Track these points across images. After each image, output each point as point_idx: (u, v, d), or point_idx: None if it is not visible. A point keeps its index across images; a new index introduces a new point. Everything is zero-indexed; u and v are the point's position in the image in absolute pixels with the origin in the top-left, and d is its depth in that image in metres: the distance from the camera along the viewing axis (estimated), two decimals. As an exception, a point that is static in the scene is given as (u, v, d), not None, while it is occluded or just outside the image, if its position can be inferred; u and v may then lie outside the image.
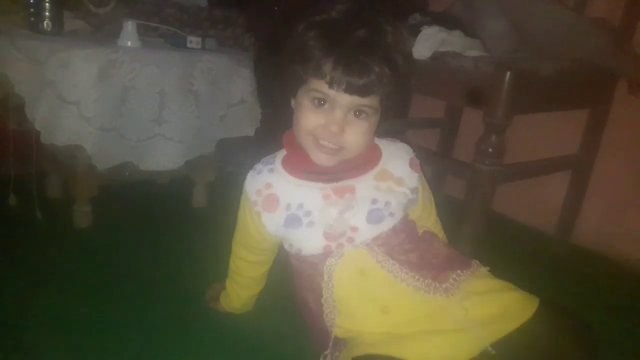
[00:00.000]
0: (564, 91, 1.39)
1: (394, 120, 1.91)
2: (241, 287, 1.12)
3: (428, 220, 1.05)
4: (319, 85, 0.85)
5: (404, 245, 0.92)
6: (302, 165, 0.94)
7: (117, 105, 1.40)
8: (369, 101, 0.86)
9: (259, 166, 1.00)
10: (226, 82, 1.60)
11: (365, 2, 0.88)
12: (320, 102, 0.86)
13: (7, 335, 1.04)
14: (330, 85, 0.83)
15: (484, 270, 0.96)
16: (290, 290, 1.08)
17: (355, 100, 0.84)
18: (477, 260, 0.97)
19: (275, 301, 1.16)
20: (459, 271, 0.91)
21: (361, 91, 0.83)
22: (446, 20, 1.53)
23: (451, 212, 1.28)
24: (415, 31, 1.45)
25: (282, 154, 0.99)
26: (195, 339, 1.10)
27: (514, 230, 1.84)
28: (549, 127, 1.74)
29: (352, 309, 0.90)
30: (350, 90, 0.83)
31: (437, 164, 1.69)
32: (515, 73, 1.20)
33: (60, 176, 1.65)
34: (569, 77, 1.36)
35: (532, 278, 1.34)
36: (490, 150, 1.24)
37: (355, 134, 0.88)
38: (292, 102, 0.94)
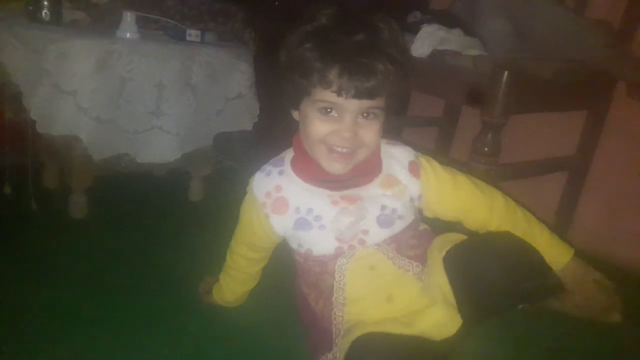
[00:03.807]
0: (562, 92, 1.39)
1: (391, 118, 1.92)
2: (237, 282, 1.13)
3: (473, 209, 0.97)
4: (325, 95, 0.84)
5: (411, 241, 0.94)
6: (310, 172, 0.93)
7: (114, 96, 1.40)
8: (377, 102, 0.85)
9: (267, 167, 0.98)
10: (225, 75, 1.60)
11: (353, 4, 0.87)
12: (328, 110, 0.86)
13: (1, 325, 1.04)
14: (339, 93, 0.82)
15: None
16: (284, 284, 1.08)
17: (364, 103, 0.84)
18: None
19: (267, 295, 1.16)
20: None
21: (370, 94, 0.83)
22: (446, 19, 1.52)
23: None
24: (415, 29, 1.45)
25: (290, 154, 0.98)
26: (188, 331, 1.10)
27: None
28: (546, 128, 1.74)
29: (361, 300, 0.92)
30: (359, 95, 0.82)
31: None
32: (513, 73, 1.20)
33: (56, 166, 1.65)
34: (567, 77, 1.36)
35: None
36: (486, 149, 1.24)
37: (369, 134, 0.87)
38: (295, 114, 0.94)
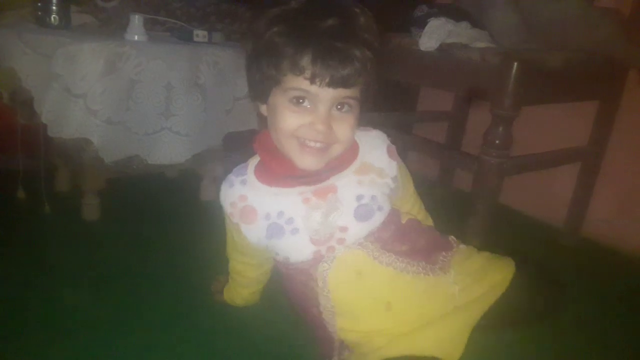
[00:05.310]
0: (573, 82, 1.38)
1: (401, 114, 1.91)
2: (241, 286, 1.11)
3: (413, 207, 1.03)
4: (297, 83, 0.78)
5: (396, 236, 0.88)
6: (278, 171, 0.88)
7: (123, 98, 1.40)
8: (352, 92, 0.80)
9: (231, 177, 0.94)
10: (232, 75, 1.60)
11: None
12: (300, 100, 0.80)
13: (13, 327, 1.05)
14: (312, 80, 0.76)
15: (463, 247, 0.98)
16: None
17: (339, 92, 0.78)
18: (452, 237, 0.99)
19: (281, 293, 1.16)
20: (444, 253, 0.93)
21: (345, 82, 0.77)
22: (453, 12, 1.51)
23: (459, 205, 1.27)
24: (422, 23, 1.44)
25: (254, 161, 0.94)
26: (201, 332, 1.10)
27: (523, 224, 1.82)
28: (558, 119, 1.73)
29: (354, 310, 0.86)
30: (334, 83, 0.77)
31: (444, 157, 1.68)
32: (523, 64, 1.18)
33: (68, 169, 1.67)
34: (577, 68, 1.35)
35: (540, 271, 1.33)
36: (497, 141, 1.23)
37: (344, 129, 0.82)
38: (262, 108, 0.89)
